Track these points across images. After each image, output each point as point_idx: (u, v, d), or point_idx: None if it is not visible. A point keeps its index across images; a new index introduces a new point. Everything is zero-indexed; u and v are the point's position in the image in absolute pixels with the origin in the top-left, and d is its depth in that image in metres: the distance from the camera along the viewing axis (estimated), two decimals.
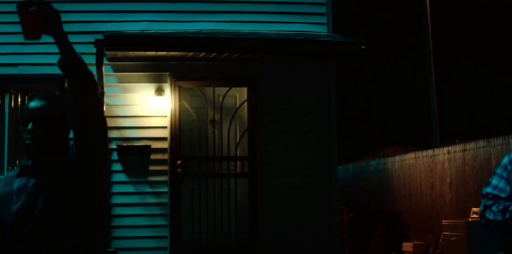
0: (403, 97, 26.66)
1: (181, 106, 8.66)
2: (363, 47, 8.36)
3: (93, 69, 7.90)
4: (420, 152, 13.28)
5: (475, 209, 10.11)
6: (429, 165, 12.75)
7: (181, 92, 8.70)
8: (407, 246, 12.24)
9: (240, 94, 9.02)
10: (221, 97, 8.85)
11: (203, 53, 8.36)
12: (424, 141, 18.93)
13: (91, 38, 8.12)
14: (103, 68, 8.13)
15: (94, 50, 8.00)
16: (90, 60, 7.84)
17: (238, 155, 8.84)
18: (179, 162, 8.52)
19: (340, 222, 9.73)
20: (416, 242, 12.25)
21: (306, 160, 8.78)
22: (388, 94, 26.97)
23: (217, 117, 8.86)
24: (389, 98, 27.06)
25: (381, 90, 27.16)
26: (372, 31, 22.41)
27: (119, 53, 8.36)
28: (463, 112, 24.93)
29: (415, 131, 24.51)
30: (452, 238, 10.13)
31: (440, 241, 11.13)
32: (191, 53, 8.37)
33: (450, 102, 24.60)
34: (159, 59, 8.55)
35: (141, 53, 8.33)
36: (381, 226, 12.86)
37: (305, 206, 8.72)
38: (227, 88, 8.84)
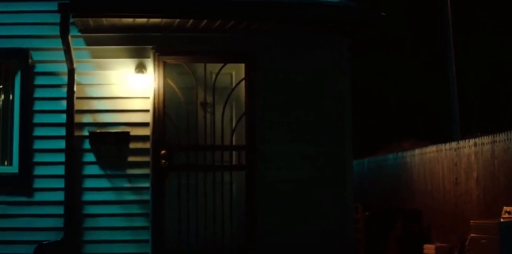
0: (420, 89, 26.54)
1: (166, 86, 8.15)
2: (383, 14, 7.81)
3: (58, 41, 7.50)
4: (443, 144, 13.09)
5: (507, 208, 9.86)
6: (453, 159, 12.55)
7: (166, 69, 8.19)
8: (429, 248, 12.03)
9: (236, 71, 8.45)
10: (214, 76, 8.29)
11: (191, 21, 7.67)
12: (443, 134, 19.03)
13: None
14: (70, 39, 7.50)
15: None
16: (58, 31, 7.45)
17: (233, 143, 8.34)
18: (163, 152, 8.03)
19: (354, 221, 9.40)
20: (439, 244, 12.10)
21: (314, 149, 8.25)
22: (404, 85, 26.81)
23: (209, 99, 8.32)
24: (405, 90, 26.90)
25: (397, 81, 26.96)
26: (389, 12, 21.83)
27: (92, 22, 7.71)
28: (485, 104, 24.63)
29: (433, 124, 24.63)
30: (482, 241, 9.70)
31: (467, 243, 10.79)
32: (177, 21, 7.68)
33: (471, 94, 24.47)
34: (139, 29, 7.97)
35: (117, 21, 7.67)
36: (399, 225, 12.75)
37: (313, 203, 8.24)
38: (221, 65, 8.25)
